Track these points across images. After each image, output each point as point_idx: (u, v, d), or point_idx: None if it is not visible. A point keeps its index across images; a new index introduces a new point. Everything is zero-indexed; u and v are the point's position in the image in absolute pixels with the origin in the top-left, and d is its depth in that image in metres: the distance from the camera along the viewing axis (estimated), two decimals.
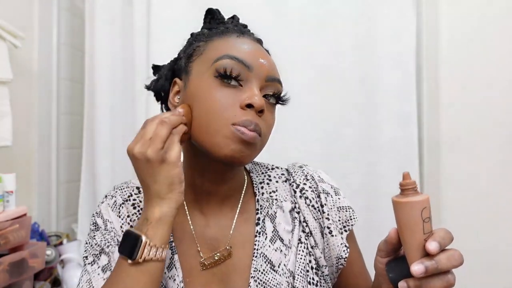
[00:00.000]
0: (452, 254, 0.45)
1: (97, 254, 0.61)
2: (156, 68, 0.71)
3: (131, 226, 0.63)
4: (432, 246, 0.44)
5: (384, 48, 1.40)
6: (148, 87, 0.70)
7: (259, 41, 0.66)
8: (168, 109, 0.66)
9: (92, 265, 0.60)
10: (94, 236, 0.63)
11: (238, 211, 0.64)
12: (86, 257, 0.62)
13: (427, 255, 0.45)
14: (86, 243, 0.64)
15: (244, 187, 0.67)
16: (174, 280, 0.59)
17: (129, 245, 0.50)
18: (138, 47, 1.45)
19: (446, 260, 0.45)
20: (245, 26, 0.68)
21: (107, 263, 0.60)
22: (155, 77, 0.70)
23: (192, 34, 0.68)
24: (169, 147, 0.52)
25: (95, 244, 0.62)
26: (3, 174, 1.17)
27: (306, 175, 0.68)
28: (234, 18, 0.69)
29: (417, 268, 0.44)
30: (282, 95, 0.62)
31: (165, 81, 0.67)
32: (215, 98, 0.55)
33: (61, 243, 1.46)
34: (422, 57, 1.42)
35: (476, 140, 1.37)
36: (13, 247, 1.12)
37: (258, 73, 0.58)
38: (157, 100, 0.70)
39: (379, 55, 1.40)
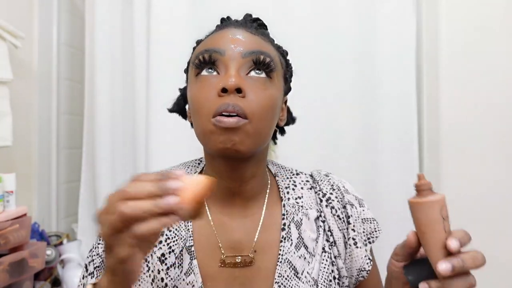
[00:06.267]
0: (476, 255, 0.45)
1: None
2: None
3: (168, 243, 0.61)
4: (453, 243, 0.44)
5: (384, 48, 1.39)
6: (169, 110, 0.72)
7: (243, 24, 0.63)
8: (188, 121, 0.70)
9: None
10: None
11: (263, 215, 0.63)
12: (90, 270, 0.60)
13: (450, 255, 0.45)
14: (96, 254, 0.62)
15: (268, 189, 0.66)
16: (193, 286, 0.58)
17: None
18: (138, 47, 1.45)
19: (471, 260, 0.45)
20: (233, 20, 0.67)
21: None
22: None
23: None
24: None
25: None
26: (3, 174, 1.17)
27: (332, 185, 0.67)
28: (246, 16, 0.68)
29: (444, 266, 0.44)
30: (266, 62, 0.56)
31: (180, 99, 0.70)
32: (196, 95, 0.56)
33: (61, 243, 1.46)
34: (422, 57, 1.42)
35: (476, 140, 1.36)
36: (13, 247, 1.12)
37: (231, 54, 0.56)
38: (184, 118, 0.72)
39: (379, 55, 1.40)
